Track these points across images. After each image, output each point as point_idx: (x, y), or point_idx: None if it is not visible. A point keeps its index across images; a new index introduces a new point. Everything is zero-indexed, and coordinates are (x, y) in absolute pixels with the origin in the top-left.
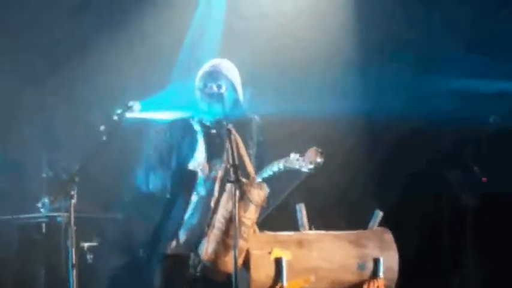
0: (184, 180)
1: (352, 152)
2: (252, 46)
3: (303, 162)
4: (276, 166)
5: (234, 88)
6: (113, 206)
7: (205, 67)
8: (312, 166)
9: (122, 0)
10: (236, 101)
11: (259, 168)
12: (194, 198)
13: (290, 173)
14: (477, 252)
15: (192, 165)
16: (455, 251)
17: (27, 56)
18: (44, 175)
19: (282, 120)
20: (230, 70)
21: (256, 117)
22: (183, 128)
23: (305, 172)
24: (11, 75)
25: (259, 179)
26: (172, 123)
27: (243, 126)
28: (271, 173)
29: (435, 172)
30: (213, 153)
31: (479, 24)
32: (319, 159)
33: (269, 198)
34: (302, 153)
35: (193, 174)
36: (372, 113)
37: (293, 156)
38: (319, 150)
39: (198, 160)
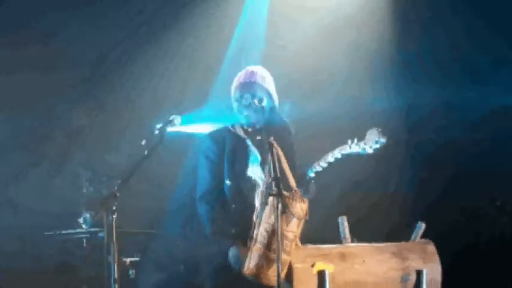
0: (244, 189)
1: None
2: (292, 58)
3: (365, 144)
4: (331, 157)
5: (270, 96)
6: (155, 221)
7: (240, 77)
8: (377, 146)
9: (163, 15)
10: (272, 109)
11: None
12: (257, 204)
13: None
14: None
15: (250, 173)
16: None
17: (67, 70)
18: (84, 190)
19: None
20: (265, 78)
21: (289, 121)
22: (230, 136)
23: (369, 153)
24: (49, 88)
25: (312, 174)
26: (216, 132)
27: (282, 135)
28: (325, 165)
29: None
30: (265, 160)
31: None
32: (382, 139)
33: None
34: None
35: (252, 181)
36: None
37: (351, 142)
38: (379, 129)
39: (255, 168)
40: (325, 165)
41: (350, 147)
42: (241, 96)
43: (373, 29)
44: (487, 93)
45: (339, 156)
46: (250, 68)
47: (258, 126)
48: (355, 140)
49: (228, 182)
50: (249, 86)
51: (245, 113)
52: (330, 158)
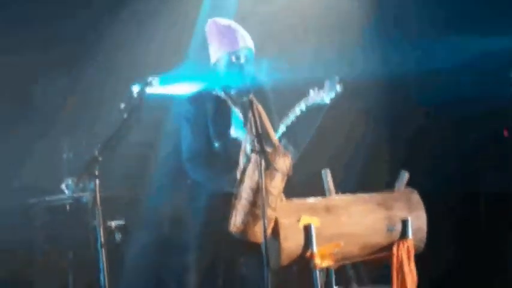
0: (229, 150)
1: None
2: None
3: (324, 93)
4: (298, 109)
5: (252, 56)
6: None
7: (223, 39)
8: (333, 95)
9: None
10: (253, 70)
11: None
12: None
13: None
14: None
15: (233, 133)
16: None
17: (42, 41)
18: (65, 156)
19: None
20: (247, 38)
21: (267, 81)
22: (211, 99)
23: (326, 104)
24: (28, 60)
25: (284, 128)
26: (196, 95)
27: (259, 89)
28: (294, 118)
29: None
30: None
31: None
32: (338, 87)
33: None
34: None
35: (237, 142)
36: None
37: (312, 92)
38: (337, 78)
39: (238, 128)
40: (293, 118)
41: (311, 98)
42: (231, 65)
43: None
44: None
45: (304, 108)
46: (224, 24)
47: (241, 86)
48: (316, 90)
49: (216, 144)
50: (237, 53)
51: (232, 75)
52: (297, 110)
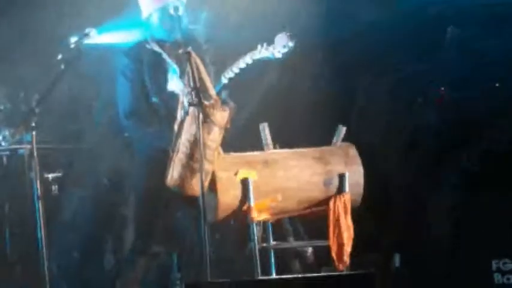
0: (167, 104)
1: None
2: None
3: (274, 49)
4: (242, 62)
5: (183, 8)
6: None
7: None
8: (285, 50)
9: None
10: (186, 22)
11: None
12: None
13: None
14: None
15: (170, 87)
16: None
17: None
18: (2, 107)
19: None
20: None
21: (198, 27)
22: (146, 53)
23: (278, 58)
24: None
25: (225, 81)
26: (131, 49)
27: (191, 40)
28: (237, 71)
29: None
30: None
31: None
32: (290, 43)
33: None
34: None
35: (174, 95)
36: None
37: (260, 47)
38: (289, 33)
39: (175, 81)
40: (237, 70)
41: (260, 52)
42: (163, 20)
43: None
44: None
45: (250, 61)
46: None
47: (175, 39)
48: (265, 45)
49: (154, 98)
50: (168, 6)
51: (166, 28)
52: (241, 63)
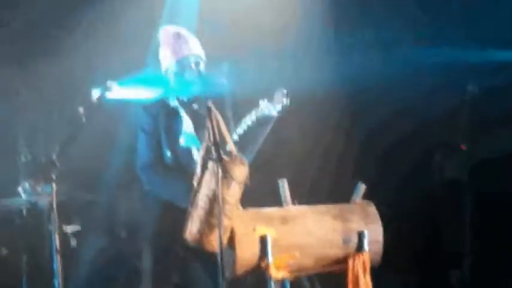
0: (179, 159)
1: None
2: (229, 20)
3: (271, 106)
4: (249, 119)
5: (201, 63)
6: (95, 188)
7: (174, 48)
8: (279, 107)
9: None
10: (207, 75)
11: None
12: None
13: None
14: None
15: (184, 143)
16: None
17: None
18: (23, 159)
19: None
20: (194, 45)
21: (225, 82)
22: (164, 108)
23: (274, 116)
24: None
25: (235, 137)
26: (150, 105)
27: (216, 96)
28: (245, 127)
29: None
30: (200, 128)
31: None
32: (285, 101)
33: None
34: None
35: (187, 151)
36: (351, 84)
37: (262, 103)
38: (285, 91)
39: (189, 137)
40: (245, 127)
41: (261, 109)
42: (182, 73)
43: None
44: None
45: (254, 118)
46: (174, 31)
47: (195, 93)
48: (265, 101)
49: (168, 152)
50: (187, 60)
51: (186, 82)
52: (248, 120)
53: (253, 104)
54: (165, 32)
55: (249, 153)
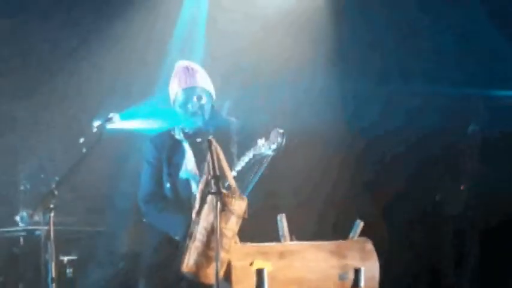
0: (178, 191)
1: (338, 163)
2: (234, 57)
3: (267, 145)
4: (247, 156)
5: (209, 95)
6: (95, 218)
7: (180, 79)
8: (274, 146)
9: (105, 11)
10: (212, 108)
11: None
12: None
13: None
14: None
15: (184, 175)
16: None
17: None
18: (22, 188)
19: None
20: (205, 77)
21: (234, 119)
22: (169, 140)
23: (269, 155)
24: None
25: (234, 173)
26: (157, 136)
27: (222, 131)
28: (243, 164)
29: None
30: (202, 161)
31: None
32: (280, 140)
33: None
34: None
35: (187, 183)
36: (353, 124)
37: (259, 141)
38: (281, 131)
39: (189, 170)
40: (243, 164)
41: (259, 148)
42: (186, 103)
43: (315, 25)
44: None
45: (251, 156)
46: (185, 65)
47: (198, 128)
48: (263, 140)
49: (167, 184)
50: (192, 91)
51: (191, 119)
52: (246, 157)
53: (255, 142)
54: (177, 66)
55: (244, 189)
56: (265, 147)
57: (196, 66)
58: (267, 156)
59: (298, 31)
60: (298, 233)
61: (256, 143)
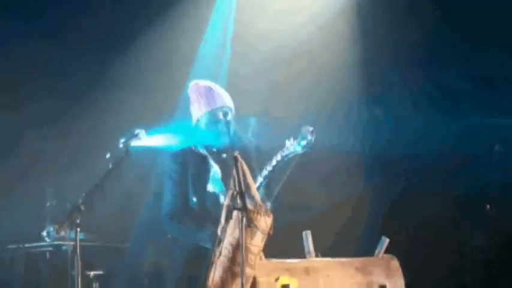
0: (206, 204)
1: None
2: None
3: (296, 143)
4: (275, 160)
5: (231, 114)
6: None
7: (205, 100)
8: (304, 143)
9: (130, 31)
10: (233, 127)
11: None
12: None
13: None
14: None
15: (211, 188)
16: None
17: (26, 87)
18: (48, 204)
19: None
20: (225, 98)
21: (252, 140)
22: (192, 156)
23: (298, 153)
24: (14, 104)
25: (261, 179)
26: (179, 153)
27: (246, 149)
28: (270, 168)
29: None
30: (227, 177)
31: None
32: (310, 137)
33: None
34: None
35: (214, 196)
36: (378, 148)
37: (287, 142)
38: (310, 128)
39: (216, 183)
40: (270, 168)
41: (287, 148)
42: (216, 123)
43: (341, 43)
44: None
45: (279, 158)
46: (207, 85)
47: (223, 144)
48: (291, 139)
49: (194, 199)
50: (221, 110)
51: (219, 137)
52: (274, 161)
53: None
54: (196, 86)
55: (271, 193)
56: (294, 145)
57: (217, 86)
58: (296, 155)
59: (324, 47)
60: (323, 249)
61: (284, 144)
